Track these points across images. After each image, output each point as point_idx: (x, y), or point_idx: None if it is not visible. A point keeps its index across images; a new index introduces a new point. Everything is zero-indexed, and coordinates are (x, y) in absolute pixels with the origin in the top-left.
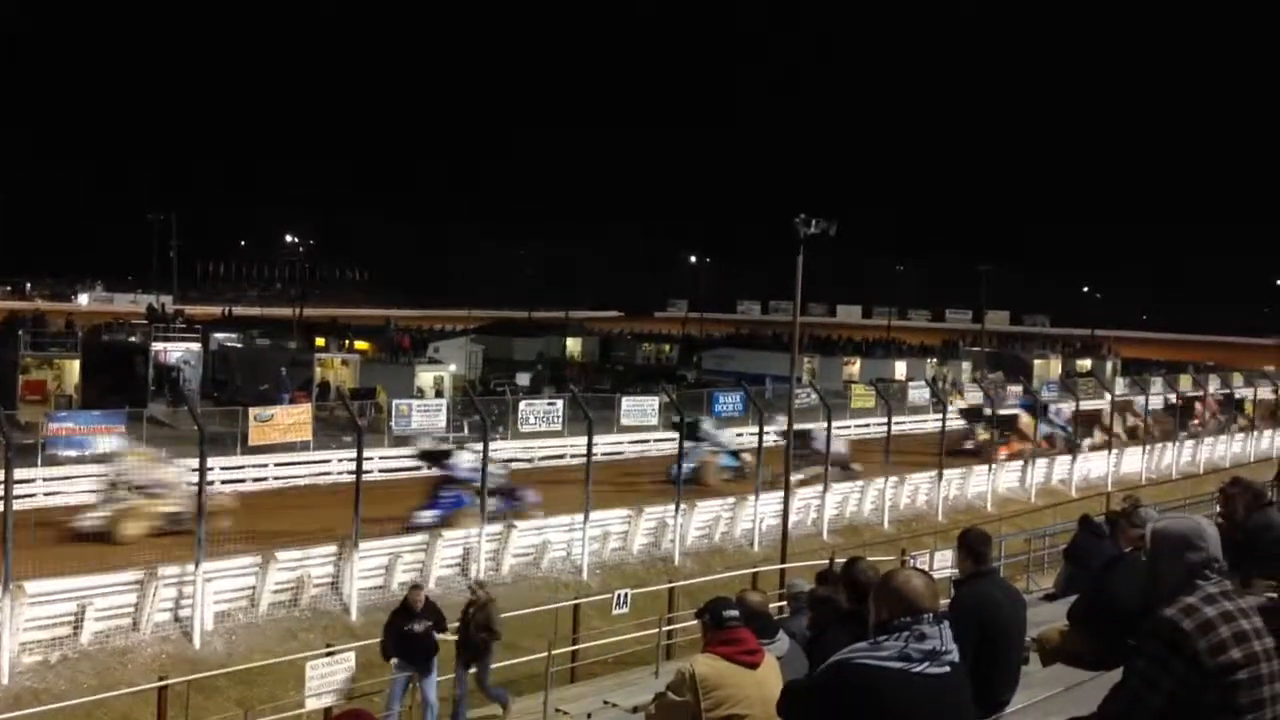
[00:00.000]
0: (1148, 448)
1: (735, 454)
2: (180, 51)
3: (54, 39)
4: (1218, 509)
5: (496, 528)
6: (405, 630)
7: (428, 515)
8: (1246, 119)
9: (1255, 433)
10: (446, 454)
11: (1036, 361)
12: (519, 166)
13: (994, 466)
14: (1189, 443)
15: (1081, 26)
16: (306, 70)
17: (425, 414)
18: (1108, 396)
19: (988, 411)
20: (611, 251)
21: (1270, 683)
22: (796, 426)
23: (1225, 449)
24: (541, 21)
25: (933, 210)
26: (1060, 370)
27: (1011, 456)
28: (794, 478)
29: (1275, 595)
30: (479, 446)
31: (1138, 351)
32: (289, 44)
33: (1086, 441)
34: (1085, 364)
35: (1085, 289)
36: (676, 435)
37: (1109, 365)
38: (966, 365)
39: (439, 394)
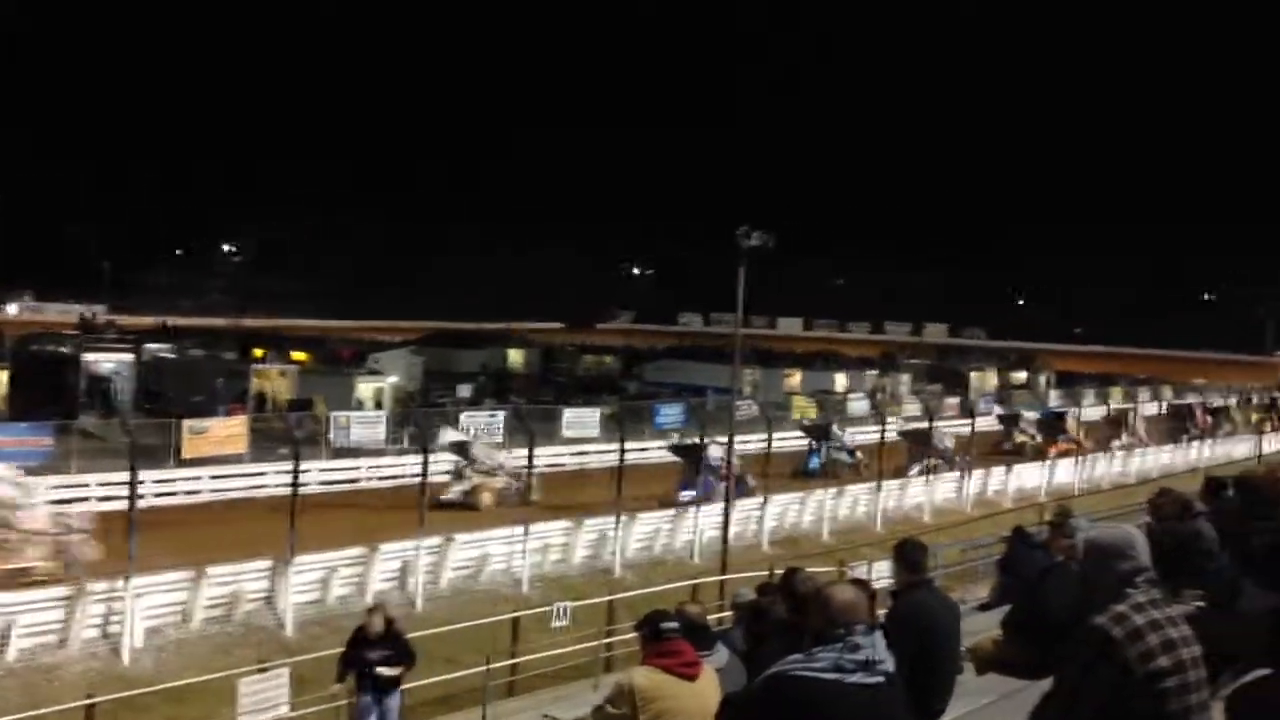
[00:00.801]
0: (1079, 459)
1: (851, 451)
2: (112, 50)
3: None
4: (1147, 519)
5: (435, 540)
6: (360, 658)
7: (686, 495)
8: (1183, 141)
9: (1185, 444)
10: (701, 447)
11: (973, 374)
12: (463, 178)
13: (1045, 464)
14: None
15: (1025, 46)
16: (243, 72)
17: (364, 426)
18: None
19: (1030, 415)
20: (553, 263)
21: (1196, 690)
22: (915, 426)
23: (1155, 460)
24: (500, 31)
25: (873, 223)
26: (996, 383)
27: (1061, 454)
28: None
29: (1202, 604)
30: (722, 439)
31: (1071, 365)
32: (229, 43)
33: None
34: (1020, 377)
35: (1021, 302)
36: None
37: (1043, 378)
38: (905, 378)
39: (379, 406)
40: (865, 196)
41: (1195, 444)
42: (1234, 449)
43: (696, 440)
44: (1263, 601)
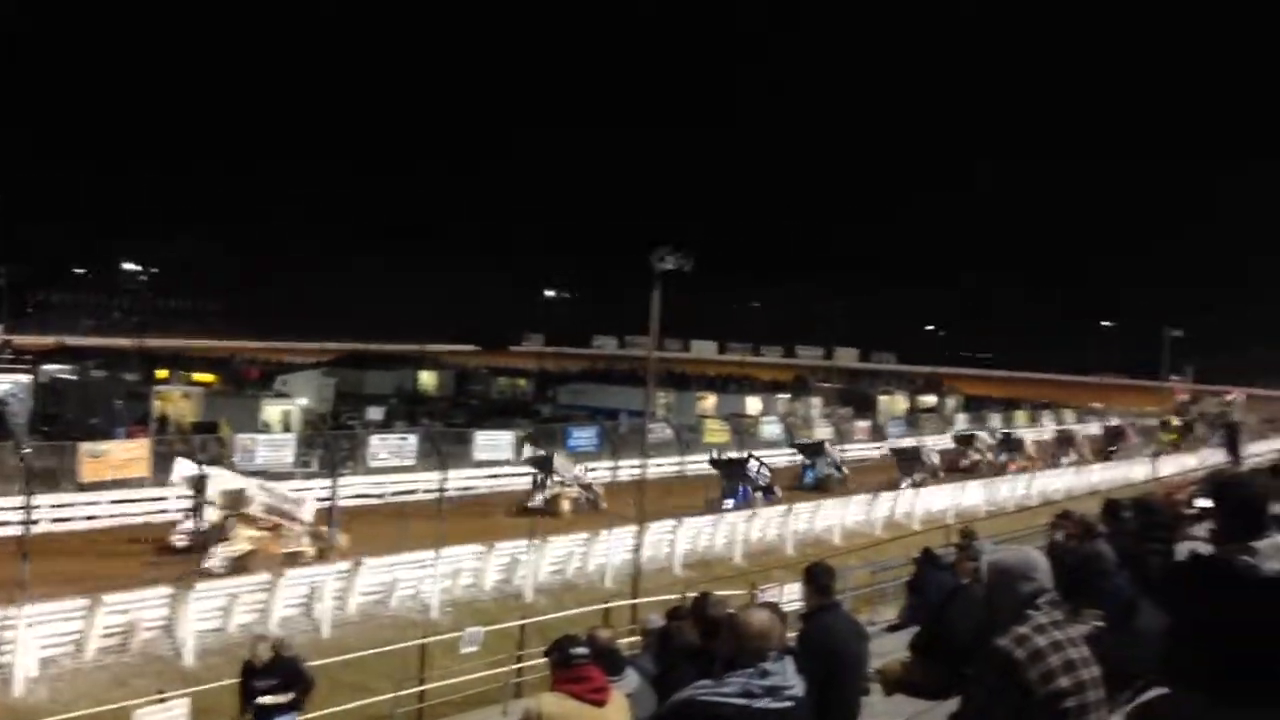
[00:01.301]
0: (986, 481)
1: (839, 467)
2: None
3: None
4: (1050, 540)
5: (345, 566)
6: (251, 688)
7: (729, 503)
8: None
9: (1087, 466)
10: (742, 461)
11: (882, 398)
12: (375, 198)
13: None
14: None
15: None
16: (151, 87)
17: (271, 449)
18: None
19: (986, 435)
20: (467, 285)
21: (1095, 710)
22: (905, 444)
23: (1058, 482)
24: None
25: (788, 249)
26: (905, 406)
27: (1020, 471)
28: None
29: (1101, 624)
30: (759, 454)
31: (978, 389)
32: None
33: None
34: (929, 400)
35: (930, 327)
36: (538, 469)
37: (950, 402)
38: (817, 401)
39: (287, 428)
40: (780, 222)
41: (1094, 468)
42: (1131, 471)
43: (737, 455)
44: (1159, 621)
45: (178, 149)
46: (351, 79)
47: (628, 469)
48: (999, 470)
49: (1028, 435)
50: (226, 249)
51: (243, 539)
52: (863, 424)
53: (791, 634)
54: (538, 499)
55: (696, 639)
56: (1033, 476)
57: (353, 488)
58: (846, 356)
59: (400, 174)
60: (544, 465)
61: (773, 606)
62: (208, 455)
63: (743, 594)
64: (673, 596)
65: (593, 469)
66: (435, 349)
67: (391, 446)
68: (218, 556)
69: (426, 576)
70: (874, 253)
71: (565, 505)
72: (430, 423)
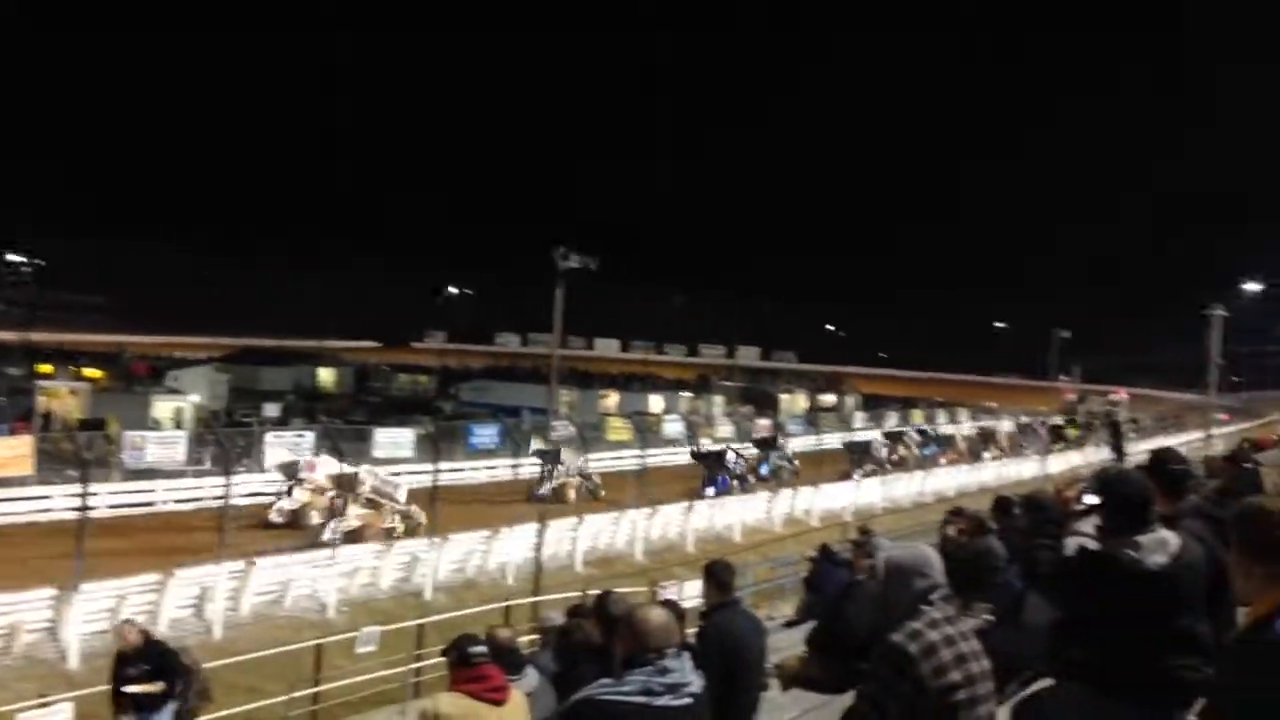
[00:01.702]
0: (883, 479)
1: (792, 459)
2: None
3: None
4: (942, 536)
5: (238, 565)
6: (122, 677)
7: (710, 491)
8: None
9: (979, 462)
10: (721, 453)
11: (783, 396)
12: (273, 193)
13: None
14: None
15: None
16: (34, 79)
17: (162, 446)
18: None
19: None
20: (367, 281)
21: (985, 702)
22: (857, 438)
23: (952, 479)
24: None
25: (689, 249)
26: (806, 405)
27: (951, 463)
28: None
29: (991, 617)
30: (738, 446)
31: (877, 388)
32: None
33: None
34: (829, 399)
35: (830, 327)
36: (545, 461)
37: (850, 401)
38: (719, 400)
39: (178, 426)
40: (683, 223)
41: (984, 465)
42: (1022, 469)
43: (717, 448)
44: (1046, 615)
45: (70, 139)
46: (257, 74)
47: (529, 467)
48: (929, 464)
49: (957, 431)
50: (116, 242)
51: (353, 516)
52: (764, 422)
53: (692, 630)
54: (545, 488)
55: (598, 637)
56: (926, 475)
57: (248, 486)
58: (748, 355)
59: (299, 169)
60: (551, 457)
61: (670, 604)
62: (95, 453)
63: (644, 591)
64: (574, 594)
65: (491, 467)
66: (334, 345)
67: (288, 444)
68: (332, 529)
69: (323, 575)
70: (776, 253)
71: (571, 493)
72: (329, 420)
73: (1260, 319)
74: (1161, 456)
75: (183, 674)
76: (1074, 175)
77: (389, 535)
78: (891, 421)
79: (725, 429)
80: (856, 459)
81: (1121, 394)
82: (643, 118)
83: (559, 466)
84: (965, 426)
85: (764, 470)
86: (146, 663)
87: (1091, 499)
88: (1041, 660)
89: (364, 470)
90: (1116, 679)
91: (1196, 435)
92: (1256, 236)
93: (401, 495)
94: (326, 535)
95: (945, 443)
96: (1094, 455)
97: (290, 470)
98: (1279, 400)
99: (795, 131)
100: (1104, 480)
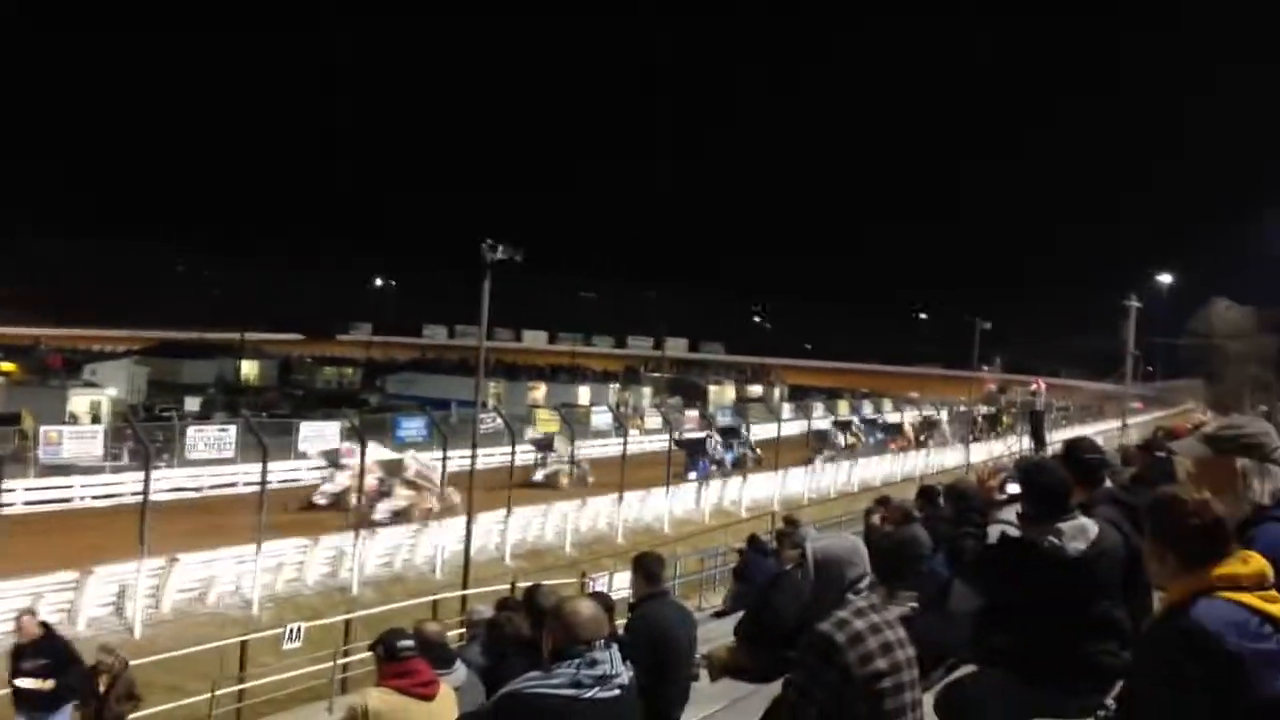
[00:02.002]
0: (809, 469)
1: (754, 448)
2: None
3: None
4: (867, 525)
5: (159, 562)
6: (17, 669)
7: (692, 475)
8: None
9: (902, 453)
10: (703, 440)
11: (711, 387)
12: (190, 178)
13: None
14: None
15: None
16: None
17: (79, 441)
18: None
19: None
20: (291, 272)
21: (911, 689)
22: (820, 426)
23: (877, 469)
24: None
25: (618, 240)
26: (733, 396)
27: (899, 450)
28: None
29: (916, 605)
30: (718, 435)
31: (802, 379)
32: None
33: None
34: (755, 390)
35: (756, 319)
36: (539, 449)
37: (776, 391)
38: (647, 391)
39: (96, 420)
40: (611, 214)
41: (909, 455)
42: (945, 459)
43: (698, 435)
44: (970, 602)
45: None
46: (182, 64)
47: (458, 459)
48: (879, 450)
49: (907, 419)
50: (31, 232)
51: (401, 497)
52: (692, 413)
53: (621, 622)
54: (540, 474)
55: (527, 630)
56: (852, 465)
57: (169, 481)
58: (676, 347)
59: (221, 159)
60: (545, 445)
61: (598, 596)
62: (9, 448)
63: (574, 583)
64: (503, 587)
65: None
66: (256, 338)
67: (209, 438)
68: (382, 510)
69: (246, 571)
70: (702, 246)
71: (563, 480)
72: (252, 413)
73: (1172, 311)
74: (1076, 445)
75: (80, 671)
76: (998, 177)
77: (430, 515)
78: (818, 412)
79: (653, 420)
80: (818, 446)
81: (1040, 384)
82: (575, 112)
83: (551, 454)
84: (911, 415)
85: (729, 458)
86: (44, 656)
87: (1013, 488)
88: (966, 647)
89: (408, 456)
90: (1038, 665)
91: (1113, 424)
92: (1169, 230)
93: (436, 478)
94: (378, 515)
95: (894, 430)
96: (1015, 444)
97: (332, 457)
98: (1191, 388)
99: (704, 125)
100: (1024, 469)
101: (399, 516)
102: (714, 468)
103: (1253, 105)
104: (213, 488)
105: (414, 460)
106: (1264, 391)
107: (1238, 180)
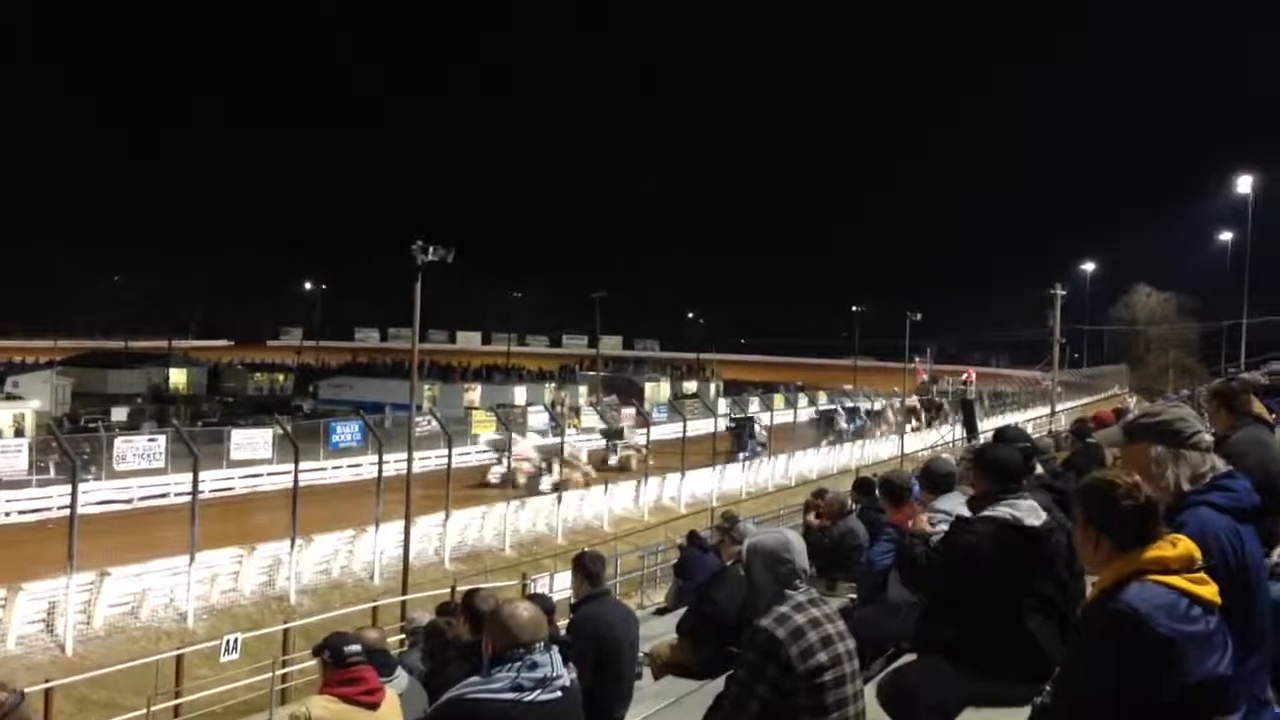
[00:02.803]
0: (746, 464)
1: (763, 439)
2: None
3: None
4: (805, 519)
5: (89, 577)
6: None
7: (741, 455)
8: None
9: (839, 445)
10: (751, 421)
11: (648, 384)
12: (111, 182)
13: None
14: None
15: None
16: None
17: (2, 456)
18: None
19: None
20: (219, 277)
21: (851, 681)
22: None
23: (813, 461)
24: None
25: (552, 237)
26: (669, 392)
27: (883, 435)
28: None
29: (854, 596)
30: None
31: (737, 373)
32: None
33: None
34: (691, 386)
35: (690, 314)
36: (496, 450)
37: (712, 387)
38: (584, 389)
39: (19, 433)
40: (541, 213)
41: (845, 446)
42: (879, 450)
43: (745, 417)
44: (909, 592)
45: None
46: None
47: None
48: (864, 436)
49: (889, 405)
50: None
51: (558, 473)
52: (629, 411)
53: (563, 622)
54: (614, 459)
55: (467, 634)
56: (789, 457)
57: (98, 493)
58: (611, 345)
59: (142, 162)
60: (502, 447)
61: (537, 598)
62: None
63: (515, 585)
64: (443, 591)
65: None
66: (184, 345)
67: (138, 449)
68: (546, 483)
69: (180, 584)
70: (633, 244)
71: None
72: (181, 422)
73: (1094, 299)
74: (1005, 434)
75: None
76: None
77: (582, 483)
78: (754, 405)
79: (590, 418)
80: (822, 430)
81: (971, 374)
82: (502, 110)
83: (620, 441)
84: (895, 403)
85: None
86: None
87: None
88: (906, 637)
89: (569, 438)
90: (983, 654)
91: (1042, 412)
92: (1093, 219)
93: (584, 458)
94: (543, 487)
95: (877, 417)
96: (948, 434)
97: (500, 445)
98: (1116, 374)
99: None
100: (979, 453)
101: (558, 488)
102: (759, 448)
103: (1172, 95)
104: (143, 499)
105: (567, 444)
106: (1186, 375)
107: (1158, 171)
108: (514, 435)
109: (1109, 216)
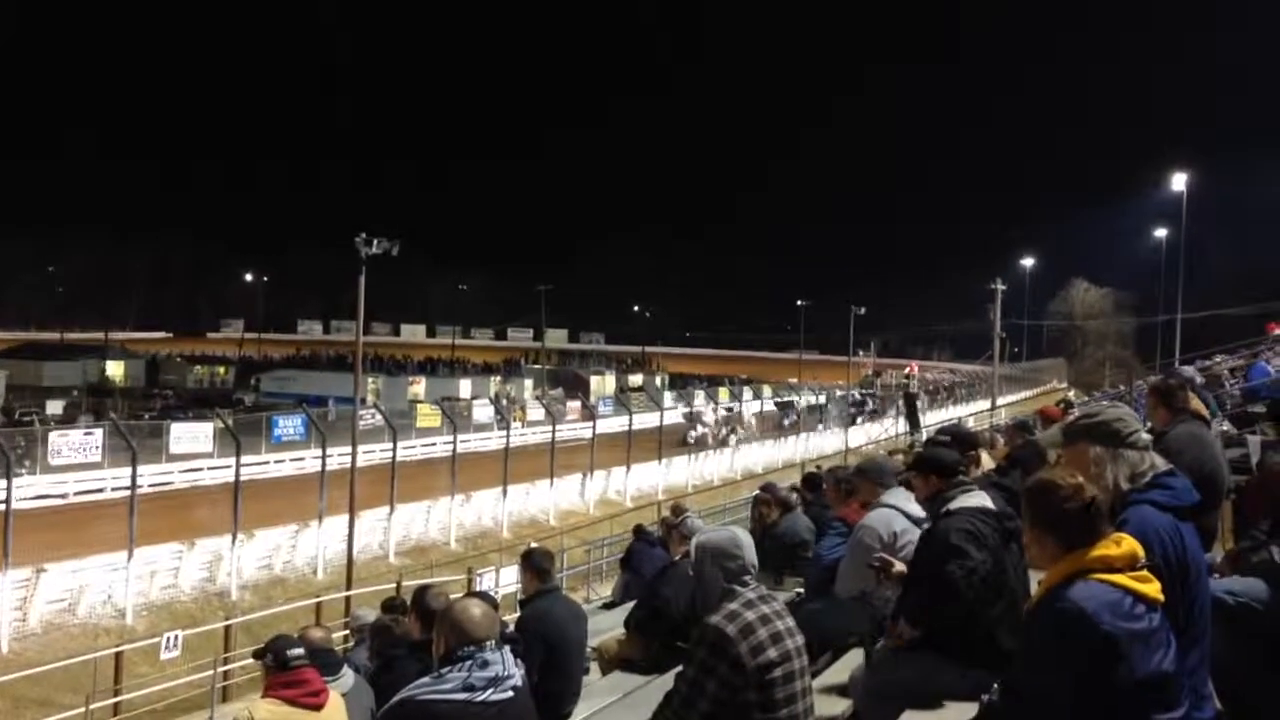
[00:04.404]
0: (692, 457)
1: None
2: None
3: None
4: (752, 513)
5: (25, 573)
6: None
7: (693, 435)
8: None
9: (784, 439)
10: (792, 402)
11: (593, 378)
12: (47, 170)
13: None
14: (728, 451)
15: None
16: None
17: None
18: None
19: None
20: (157, 266)
21: (801, 677)
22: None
23: (759, 454)
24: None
25: (496, 229)
26: (615, 386)
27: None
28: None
29: (802, 591)
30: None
31: (683, 366)
32: None
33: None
34: (637, 379)
35: (636, 307)
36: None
37: (658, 380)
38: (529, 382)
39: None
40: (486, 205)
41: (789, 440)
42: (824, 443)
43: (787, 401)
44: (855, 587)
45: None
46: (35, 51)
47: (338, 458)
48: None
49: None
50: None
51: (738, 434)
52: (574, 404)
53: (510, 618)
54: (692, 435)
55: (416, 632)
56: (734, 451)
57: (32, 488)
58: (556, 338)
59: (80, 151)
60: (695, 416)
61: (484, 595)
62: None
63: (460, 580)
64: (388, 586)
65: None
66: (121, 337)
67: (74, 443)
68: (732, 440)
69: (118, 580)
70: (578, 236)
71: (710, 438)
72: (118, 416)
73: (1034, 294)
74: (948, 431)
75: None
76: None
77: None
78: (699, 399)
79: (535, 411)
80: (781, 417)
81: (914, 367)
82: (449, 102)
83: (700, 421)
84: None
85: (785, 423)
86: None
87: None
88: (854, 632)
89: (744, 406)
90: (954, 644)
91: (983, 406)
92: (1031, 217)
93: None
94: (731, 443)
95: (820, 411)
96: (892, 427)
97: (692, 417)
98: (1054, 368)
99: (576, 119)
100: (919, 457)
101: (740, 442)
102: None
103: (1110, 91)
104: (79, 494)
105: (734, 411)
106: (1122, 369)
107: (1096, 168)
108: (698, 407)
109: (1049, 213)
